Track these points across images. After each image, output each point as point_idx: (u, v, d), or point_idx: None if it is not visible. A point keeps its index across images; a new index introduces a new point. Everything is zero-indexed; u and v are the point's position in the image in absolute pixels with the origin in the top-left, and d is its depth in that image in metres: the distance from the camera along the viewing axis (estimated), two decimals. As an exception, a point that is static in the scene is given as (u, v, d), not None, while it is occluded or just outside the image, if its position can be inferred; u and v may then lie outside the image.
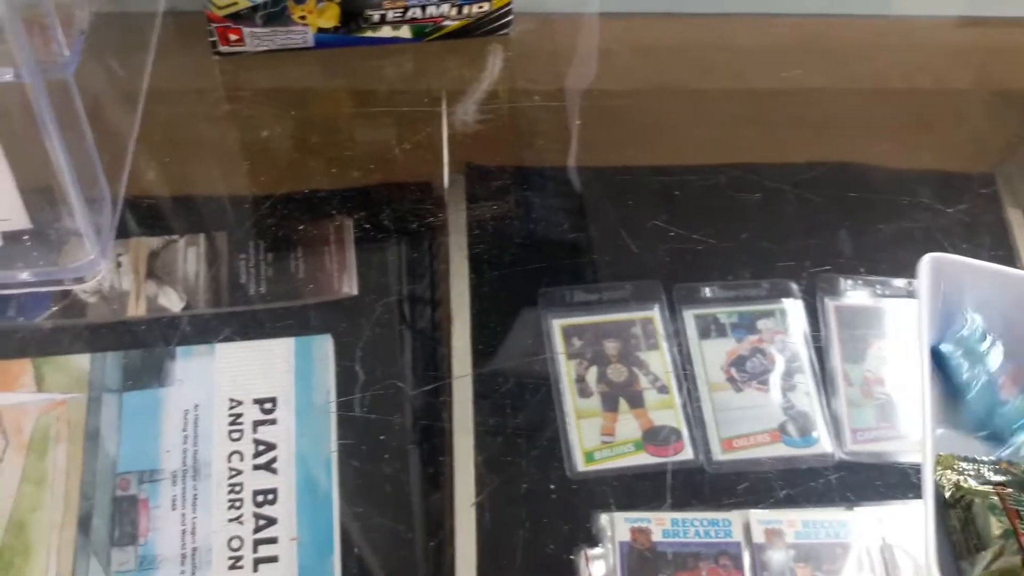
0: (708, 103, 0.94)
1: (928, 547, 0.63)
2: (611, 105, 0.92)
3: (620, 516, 0.69)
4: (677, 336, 0.78)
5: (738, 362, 0.77)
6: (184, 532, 0.69)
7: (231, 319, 0.78)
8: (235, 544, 0.69)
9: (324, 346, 0.76)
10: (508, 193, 0.85)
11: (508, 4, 0.92)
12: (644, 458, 0.73)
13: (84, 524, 0.69)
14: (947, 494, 0.67)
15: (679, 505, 0.70)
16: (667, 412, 0.75)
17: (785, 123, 0.93)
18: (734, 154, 0.89)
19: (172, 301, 0.78)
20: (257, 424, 0.73)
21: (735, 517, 0.70)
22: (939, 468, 0.68)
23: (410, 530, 0.70)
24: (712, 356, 0.77)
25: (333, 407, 0.74)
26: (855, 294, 0.80)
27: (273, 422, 0.73)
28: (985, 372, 0.72)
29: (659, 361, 0.77)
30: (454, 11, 0.91)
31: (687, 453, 0.73)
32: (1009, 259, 0.83)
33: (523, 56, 0.95)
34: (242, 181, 0.85)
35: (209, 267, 0.80)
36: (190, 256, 0.80)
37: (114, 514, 0.69)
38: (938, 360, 0.73)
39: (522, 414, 0.74)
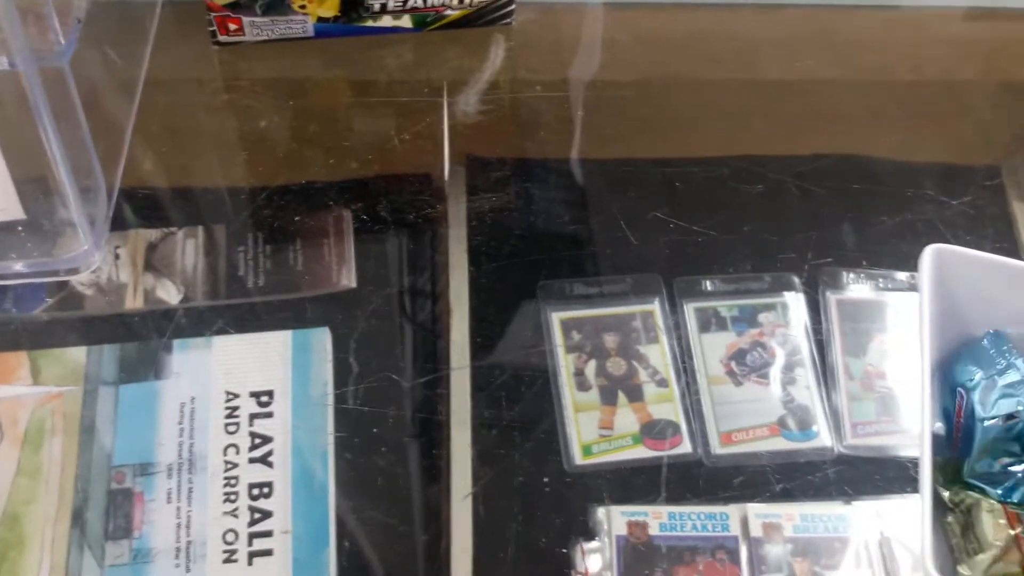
0: (713, 94, 0.93)
1: (924, 550, 0.62)
2: (614, 96, 0.91)
3: (617, 510, 0.69)
4: (677, 329, 0.77)
5: (738, 356, 0.76)
6: (179, 525, 0.69)
7: (228, 311, 0.77)
8: (230, 537, 0.68)
9: (322, 339, 0.76)
10: (508, 185, 0.85)
11: (510, -7, 0.92)
12: (642, 451, 0.72)
13: (78, 517, 0.69)
14: (946, 496, 0.66)
15: (677, 499, 0.70)
16: (666, 406, 0.74)
17: (791, 114, 0.93)
18: (738, 146, 0.88)
19: (170, 293, 0.78)
20: (253, 417, 0.73)
21: (733, 511, 0.69)
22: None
23: (406, 523, 0.69)
24: (712, 350, 0.76)
25: (330, 400, 0.73)
26: (857, 287, 0.79)
27: (269, 415, 0.73)
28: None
29: (659, 354, 0.76)
30: (456, 0, 0.91)
31: (685, 447, 0.72)
32: (1014, 251, 0.82)
33: (525, 46, 0.94)
34: (240, 172, 0.85)
35: (207, 259, 0.80)
36: (188, 248, 0.80)
37: (109, 507, 0.69)
38: (962, 381, 0.70)
39: (520, 407, 0.74)
